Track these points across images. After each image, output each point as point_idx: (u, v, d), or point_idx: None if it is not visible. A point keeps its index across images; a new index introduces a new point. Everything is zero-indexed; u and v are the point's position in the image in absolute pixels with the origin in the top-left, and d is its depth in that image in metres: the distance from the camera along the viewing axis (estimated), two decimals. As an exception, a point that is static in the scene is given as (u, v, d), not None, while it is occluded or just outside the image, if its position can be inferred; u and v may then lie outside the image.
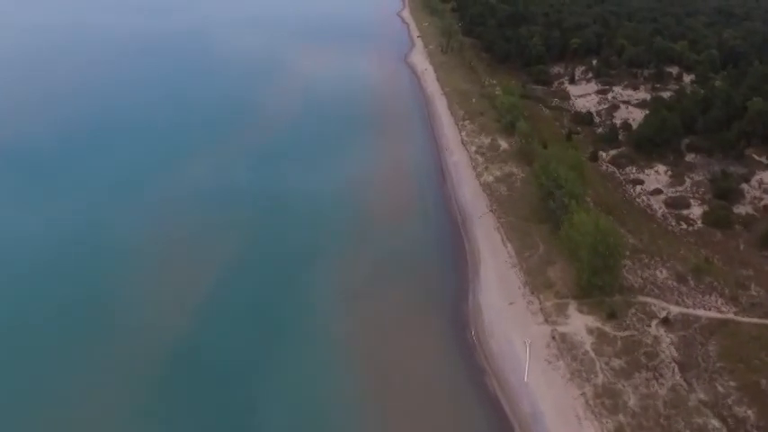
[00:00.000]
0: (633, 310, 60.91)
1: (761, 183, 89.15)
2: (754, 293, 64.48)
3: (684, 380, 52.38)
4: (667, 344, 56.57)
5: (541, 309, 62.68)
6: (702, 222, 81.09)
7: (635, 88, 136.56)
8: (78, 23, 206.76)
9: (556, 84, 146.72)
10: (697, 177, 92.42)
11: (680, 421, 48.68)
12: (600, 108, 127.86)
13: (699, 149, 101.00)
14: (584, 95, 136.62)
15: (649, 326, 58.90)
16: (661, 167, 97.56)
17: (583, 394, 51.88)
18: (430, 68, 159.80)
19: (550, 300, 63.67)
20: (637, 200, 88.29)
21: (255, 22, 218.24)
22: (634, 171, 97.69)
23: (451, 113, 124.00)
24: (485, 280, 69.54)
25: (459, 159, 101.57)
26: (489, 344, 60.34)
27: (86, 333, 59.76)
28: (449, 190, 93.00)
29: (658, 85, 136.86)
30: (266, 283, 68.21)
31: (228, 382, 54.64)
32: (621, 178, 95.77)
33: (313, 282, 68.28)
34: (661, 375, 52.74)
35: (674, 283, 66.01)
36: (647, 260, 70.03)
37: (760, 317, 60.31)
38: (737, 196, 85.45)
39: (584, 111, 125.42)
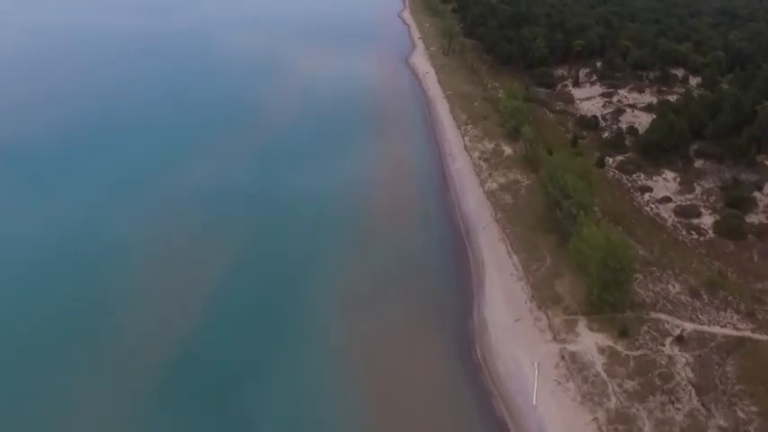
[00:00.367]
0: (646, 328, 58.31)
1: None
2: (771, 309, 61.94)
3: (702, 404, 49.78)
4: (682, 364, 53.97)
5: (549, 326, 60.08)
6: (714, 232, 78.46)
7: (640, 91, 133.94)
8: (78, 24, 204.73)
9: (559, 86, 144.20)
10: (707, 185, 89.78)
11: (698, 449, 46.20)
12: (605, 112, 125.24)
13: (708, 155, 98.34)
14: (589, 99, 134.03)
15: (663, 345, 56.29)
16: (669, 174, 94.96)
17: (595, 419, 49.30)
18: (431, 70, 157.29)
19: (559, 316, 61.09)
20: (645, 208, 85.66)
21: (255, 22, 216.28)
22: (642, 178, 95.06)
23: (453, 117, 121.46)
24: (490, 294, 66.94)
25: (461, 166, 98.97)
26: (495, 364, 57.71)
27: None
28: (452, 198, 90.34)
29: (664, 88, 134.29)
30: (263, 296, 65.61)
31: (223, 394, 52.66)
32: (629, 185, 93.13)
33: (310, 296, 65.58)
34: (677, 399, 50.15)
35: (688, 298, 63.40)
36: (658, 273, 67.41)
37: (778, 334, 57.78)
38: (750, 205, 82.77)
39: (589, 115, 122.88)
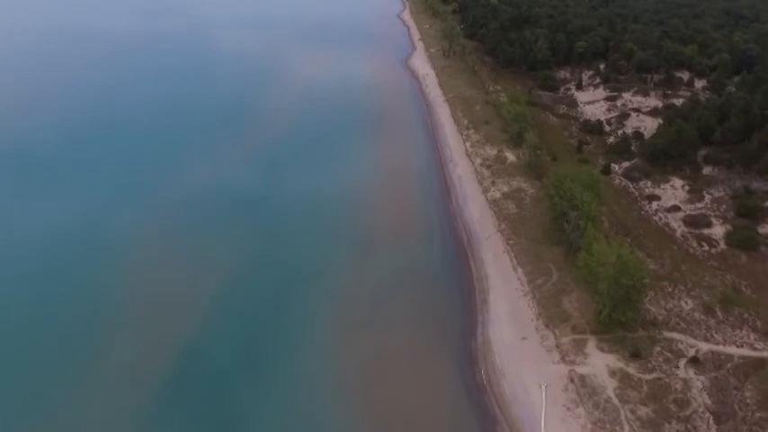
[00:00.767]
0: (658, 348, 55.55)
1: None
2: (789, 327, 59.19)
3: (721, 433, 47.10)
4: (699, 389, 51.21)
5: (557, 345, 57.28)
6: (726, 243, 75.66)
7: (645, 94, 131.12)
8: (79, 26, 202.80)
9: (562, 89, 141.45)
10: (717, 193, 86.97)
11: (718, 483, 43.46)
12: (609, 116, 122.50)
13: (717, 162, 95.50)
14: (593, 102, 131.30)
15: (677, 367, 53.53)
16: (677, 181, 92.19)
17: (607, 449, 46.60)
18: (431, 73, 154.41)
19: (567, 335, 58.29)
20: (654, 218, 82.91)
21: (253, 24, 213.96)
22: (649, 185, 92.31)
23: (455, 122, 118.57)
24: (494, 310, 64.11)
25: (463, 172, 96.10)
26: (501, 386, 54.91)
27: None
28: (454, 207, 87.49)
29: (669, 92, 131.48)
30: (258, 312, 62.77)
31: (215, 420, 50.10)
32: (636, 193, 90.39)
33: (307, 315, 62.68)
34: (695, 428, 47.38)
35: (701, 316, 60.63)
36: (670, 289, 64.65)
37: (797, 355, 55.05)
38: (762, 214, 79.96)
39: (593, 119, 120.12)
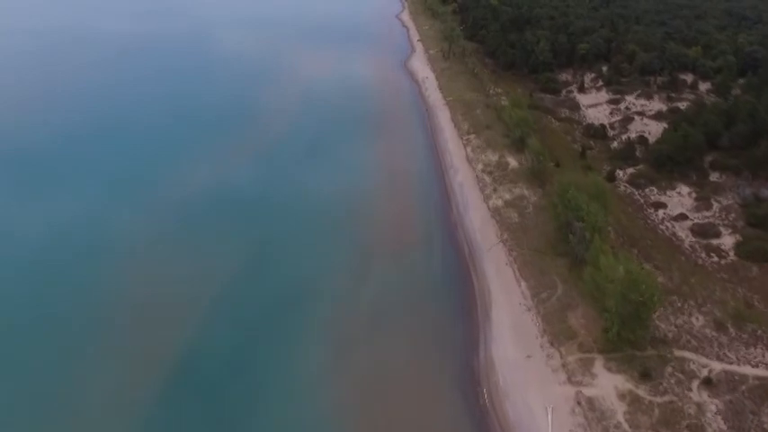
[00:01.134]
0: (670, 369, 53.05)
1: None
2: (805, 344, 56.74)
3: (738, 463, 44.64)
4: (713, 413, 48.73)
5: (563, 365, 54.80)
6: (735, 254, 73.19)
7: (648, 97, 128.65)
8: (79, 26, 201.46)
9: (564, 92, 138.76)
10: (725, 201, 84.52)
11: None
12: (613, 120, 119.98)
13: (724, 168, 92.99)
14: (595, 105, 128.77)
15: (690, 389, 51.04)
16: (684, 188, 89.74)
17: (618, 480, 44.10)
18: (431, 75, 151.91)
19: (573, 353, 55.79)
20: (660, 227, 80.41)
21: (252, 24, 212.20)
22: (654, 192, 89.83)
23: (455, 126, 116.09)
24: (497, 326, 61.59)
25: (464, 179, 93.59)
26: (504, 408, 52.42)
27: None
28: (454, 216, 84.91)
29: (673, 95, 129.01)
30: (248, 330, 60.17)
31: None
32: (641, 201, 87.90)
33: (300, 329, 60.21)
34: (710, 457, 44.99)
35: (713, 333, 58.15)
36: (679, 304, 62.15)
37: (815, 375, 52.57)
38: (773, 224, 77.59)
39: (596, 123, 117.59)
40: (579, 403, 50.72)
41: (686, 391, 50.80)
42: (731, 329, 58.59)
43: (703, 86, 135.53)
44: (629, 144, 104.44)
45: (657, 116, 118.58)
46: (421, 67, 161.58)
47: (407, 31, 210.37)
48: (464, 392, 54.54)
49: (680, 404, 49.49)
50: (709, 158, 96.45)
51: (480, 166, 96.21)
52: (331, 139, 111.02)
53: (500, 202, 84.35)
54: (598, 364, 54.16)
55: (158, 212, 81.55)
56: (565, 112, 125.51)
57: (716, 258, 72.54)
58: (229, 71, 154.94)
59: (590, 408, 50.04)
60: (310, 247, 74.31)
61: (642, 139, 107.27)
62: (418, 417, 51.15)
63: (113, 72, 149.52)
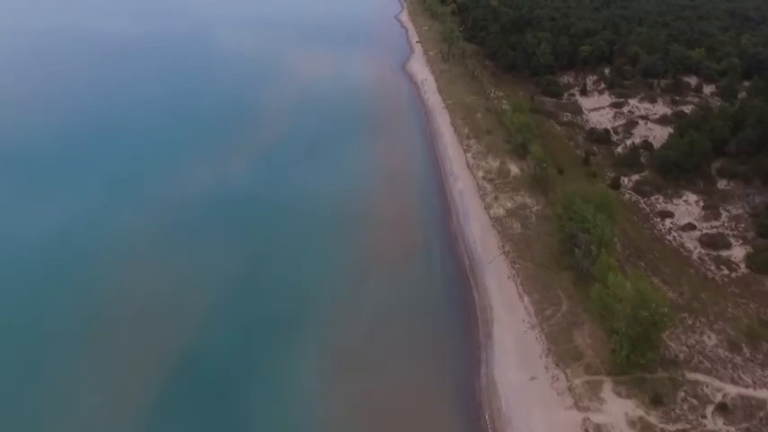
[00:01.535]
0: (682, 393, 50.29)
1: (809, 217, 78.65)
2: (823, 365, 54.01)
3: (757, 499, 41.86)
4: (729, 442, 46.01)
5: (569, 388, 52.00)
6: (746, 267, 70.46)
7: (652, 101, 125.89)
8: (79, 27, 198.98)
9: (566, 95, 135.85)
10: (734, 210, 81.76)
11: None
12: (616, 124, 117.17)
13: (732, 175, 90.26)
14: (598, 109, 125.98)
15: (704, 416, 48.29)
16: (691, 196, 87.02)
17: None
18: (430, 78, 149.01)
19: (579, 376, 53.00)
20: (667, 237, 77.65)
21: (251, 24, 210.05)
22: (661, 200, 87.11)
23: (455, 130, 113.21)
24: (499, 346, 58.76)
25: (464, 187, 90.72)
26: (508, 435, 49.64)
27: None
28: (454, 225, 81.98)
29: (677, 98, 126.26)
30: (241, 344, 57.46)
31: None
32: (647, 209, 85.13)
33: (293, 349, 57.38)
34: (728, 492, 42.21)
35: (726, 353, 55.39)
36: (690, 321, 59.39)
37: (835, 400, 49.81)
38: (785, 235, 74.90)
39: (599, 127, 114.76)
40: (587, 431, 47.93)
41: (700, 418, 48.05)
42: (745, 349, 55.83)
43: (708, 89, 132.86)
44: (634, 149, 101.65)
45: (662, 120, 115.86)
46: (420, 68, 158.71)
47: (406, 32, 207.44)
48: (465, 417, 51.72)
49: (694, 433, 46.78)
50: (716, 165, 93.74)
51: (481, 173, 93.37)
52: (328, 143, 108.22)
53: (502, 212, 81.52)
54: (606, 388, 51.38)
55: (154, 213, 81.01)
56: (567, 116, 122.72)
57: (726, 271, 69.79)
58: (227, 71, 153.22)
59: (598, 436, 47.28)
60: (303, 260, 71.41)
61: (647, 145, 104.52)
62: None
63: (113, 72, 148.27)
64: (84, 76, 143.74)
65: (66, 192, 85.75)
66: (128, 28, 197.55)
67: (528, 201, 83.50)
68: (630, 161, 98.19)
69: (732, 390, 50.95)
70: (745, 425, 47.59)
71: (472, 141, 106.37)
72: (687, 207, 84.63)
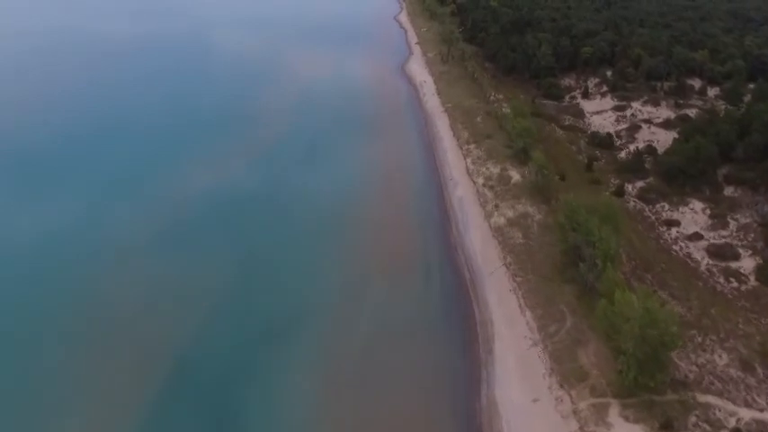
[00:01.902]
0: (693, 418, 47.79)
1: (821, 228, 76.25)
2: (841, 386, 51.51)
3: None
4: (744, 473, 43.50)
5: (574, 411, 49.50)
6: (756, 279, 67.99)
7: (655, 104, 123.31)
8: (79, 27, 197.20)
9: (567, 98, 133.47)
10: (743, 219, 79.26)
11: None
12: (619, 128, 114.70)
13: (740, 182, 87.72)
14: (600, 112, 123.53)
15: (717, 443, 45.82)
16: (697, 204, 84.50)
17: None
18: (429, 80, 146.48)
19: (585, 398, 50.48)
20: (674, 247, 75.15)
21: (250, 24, 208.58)
22: (666, 208, 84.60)
23: (454, 134, 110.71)
24: (500, 364, 56.25)
25: (464, 194, 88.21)
26: (510, 463, 47.16)
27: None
28: (454, 235, 79.35)
29: (681, 101, 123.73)
30: (231, 362, 54.94)
31: None
32: (653, 218, 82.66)
33: (286, 365, 54.92)
34: None
35: (739, 373, 52.87)
36: (700, 339, 56.87)
37: None
38: (796, 245, 72.44)
39: (601, 131, 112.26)
40: (593, 458, 45.48)
41: (714, 446, 45.61)
42: (759, 369, 53.33)
43: (712, 92, 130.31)
44: (638, 155, 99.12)
45: (666, 124, 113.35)
46: (419, 70, 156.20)
47: (405, 32, 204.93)
48: (465, 443, 49.21)
49: (707, 462, 44.30)
50: (722, 171, 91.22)
51: (481, 180, 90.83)
52: (325, 147, 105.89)
53: (502, 221, 78.99)
54: (613, 412, 48.86)
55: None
56: (569, 120, 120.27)
57: (735, 284, 67.31)
58: (225, 71, 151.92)
59: (606, 464, 44.80)
60: (294, 272, 68.69)
61: (651, 150, 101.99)
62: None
63: (113, 72, 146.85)
64: (83, 76, 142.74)
65: (65, 192, 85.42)
66: (128, 28, 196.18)
67: (529, 209, 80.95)
68: (634, 167, 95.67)
69: (746, 414, 48.47)
70: (760, 453, 45.14)
71: (472, 146, 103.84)
72: (693, 215, 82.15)
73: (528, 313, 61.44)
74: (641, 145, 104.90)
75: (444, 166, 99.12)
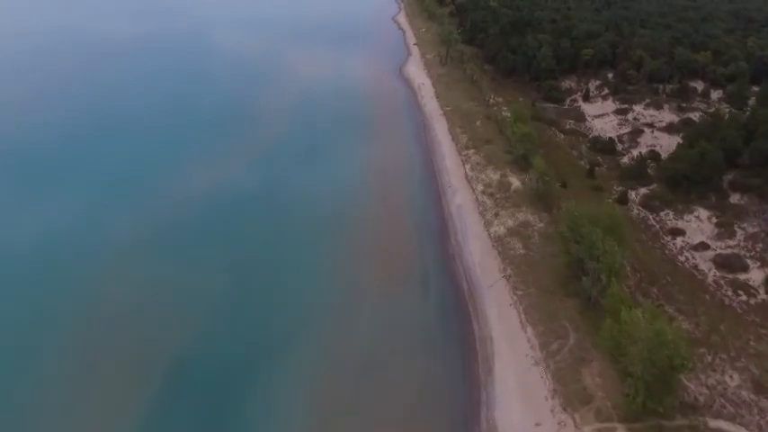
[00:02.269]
0: (704, 445, 45.41)
1: (832, 237, 73.94)
2: None
3: None
4: (759, 505, 41.11)
5: (579, 437, 47.07)
6: (766, 292, 65.62)
7: (658, 107, 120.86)
8: (78, 27, 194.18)
9: (568, 101, 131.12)
10: (750, 228, 76.86)
11: None
12: (621, 132, 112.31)
13: (746, 189, 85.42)
14: (602, 116, 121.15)
15: (730, 472, 43.41)
16: (703, 212, 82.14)
17: None
18: (427, 82, 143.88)
19: (590, 423, 48.04)
20: (679, 258, 72.75)
21: (249, 24, 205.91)
22: (671, 217, 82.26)
23: (453, 139, 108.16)
24: (500, 384, 53.81)
25: (463, 201, 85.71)
26: (511, 493, 44.72)
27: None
28: (452, 245, 76.77)
29: (684, 104, 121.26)
30: (222, 379, 52.57)
31: None
32: (657, 226, 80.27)
33: (274, 387, 52.45)
34: None
35: (752, 395, 50.50)
36: (709, 358, 54.49)
37: None
38: (806, 256, 70.09)
39: (603, 136, 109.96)
40: (599, 489, 43.06)
41: (726, 476, 43.20)
42: (771, 391, 50.94)
43: (715, 95, 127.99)
44: (641, 161, 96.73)
45: (669, 128, 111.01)
46: (417, 72, 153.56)
47: (404, 33, 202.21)
48: (464, 471, 46.79)
49: (720, 494, 41.90)
50: (728, 177, 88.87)
51: (481, 187, 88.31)
52: (321, 152, 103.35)
53: (502, 230, 76.50)
54: (620, 438, 46.46)
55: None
56: (569, 124, 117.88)
57: (744, 297, 64.94)
58: (223, 71, 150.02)
59: (612, 496, 42.39)
60: (287, 285, 66.19)
61: (654, 155, 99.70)
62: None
63: (113, 72, 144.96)
64: (83, 77, 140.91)
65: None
66: (128, 28, 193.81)
67: (530, 218, 78.48)
68: (637, 173, 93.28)
69: (759, 440, 46.09)
70: (775, 483, 42.74)
71: (471, 151, 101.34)
72: (699, 224, 79.80)
73: (529, 329, 58.98)
74: (644, 150, 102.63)
75: (443, 173, 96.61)
